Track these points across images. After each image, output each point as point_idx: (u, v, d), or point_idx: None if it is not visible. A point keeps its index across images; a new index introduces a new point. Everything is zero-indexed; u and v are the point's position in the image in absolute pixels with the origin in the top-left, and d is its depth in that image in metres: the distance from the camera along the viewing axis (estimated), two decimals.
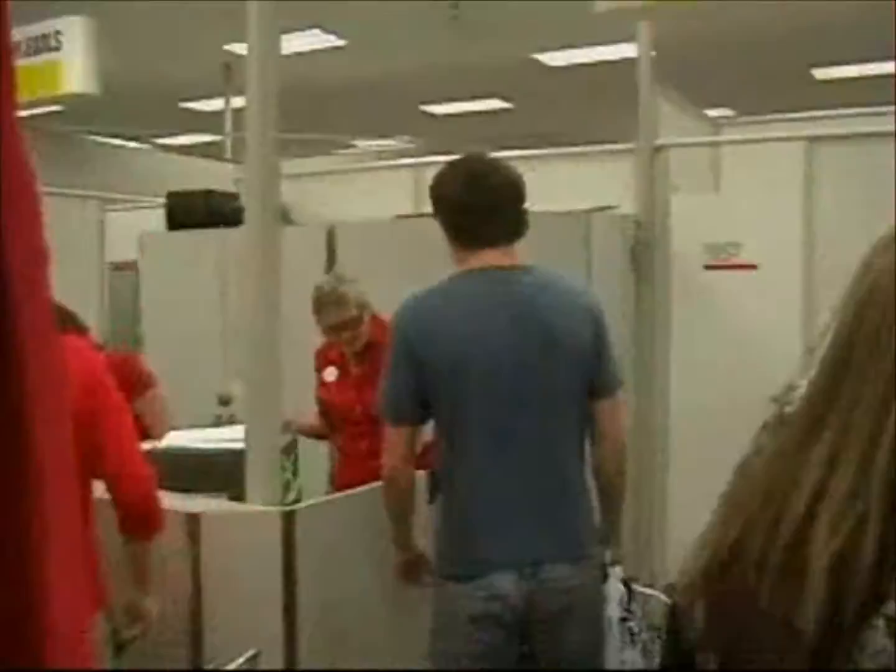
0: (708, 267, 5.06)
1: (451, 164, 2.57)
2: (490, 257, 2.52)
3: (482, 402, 2.47)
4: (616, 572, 2.65)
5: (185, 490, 2.88)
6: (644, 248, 5.11)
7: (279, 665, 2.56)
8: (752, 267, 4.95)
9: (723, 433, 4.71)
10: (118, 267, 7.21)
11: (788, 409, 0.87)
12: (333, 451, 4.10)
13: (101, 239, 7.38)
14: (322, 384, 3.93)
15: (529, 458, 2.50)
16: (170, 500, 2.65)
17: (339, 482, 3.78)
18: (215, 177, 7.15)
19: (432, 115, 12.88)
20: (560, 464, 2.54)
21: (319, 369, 3.97)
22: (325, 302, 3.69)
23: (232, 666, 2.13)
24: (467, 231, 2.52)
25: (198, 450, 3.04)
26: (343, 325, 3.67)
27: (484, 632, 2.43)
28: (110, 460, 2.34)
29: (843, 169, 4.86)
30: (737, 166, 5.39)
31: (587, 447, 2.64)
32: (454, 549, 2.54)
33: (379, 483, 2.88)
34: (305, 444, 4.11)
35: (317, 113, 11.29)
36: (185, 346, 5.61)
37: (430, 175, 5.81)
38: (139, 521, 2.40)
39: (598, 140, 5.83)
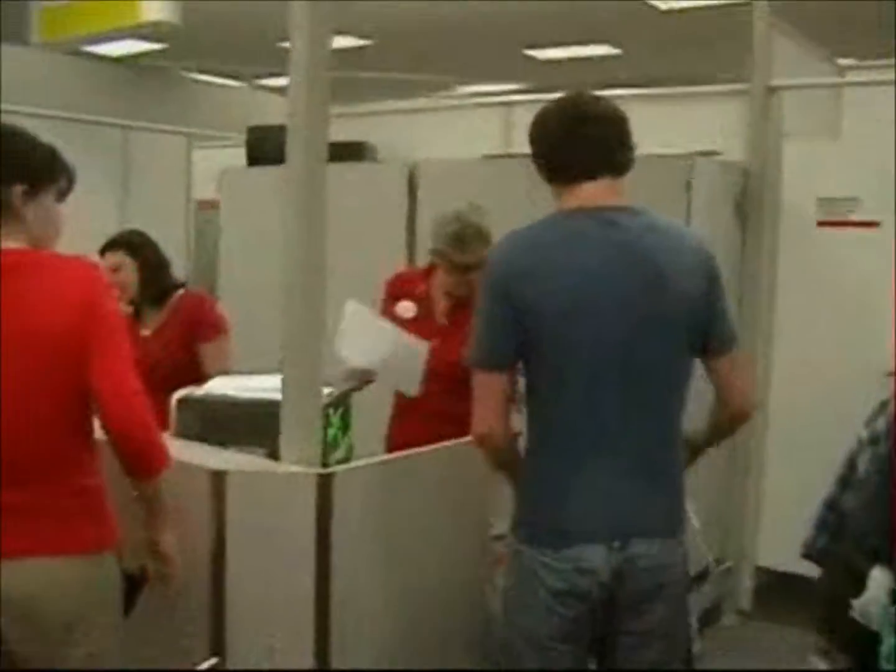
0: (822, 223, 4.65)
1: (554, 101, 2.41)
2: (593, 194, 2.33)
3: (581, 352, 2.26)
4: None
5: (221, 443, 2.62)
6: (751, 199, 4.70)
7: (309, 644, 2.29)
8: (873, 225, 4.52)
9: (827, 406, 4.48)
10: (204, 205, 7.08)
11: None
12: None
13: (188, 176, 7.24)
14: (392, 318, 3.51)
15: (631, 418, 2.29)
16: (195, 454, 2.41)
17: (393, 444, 3.46)
18: None
19: (536, 60, 12.42)
20: (664, 427, 2.35)
21: (392, 299, 3.60)
22: (468, 235, 3.29)
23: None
24: (570, 165, 2.34)
25: (237, 399, 2.74)
26: (476, 265, 3.16)
27: (566, 608, 2.27)
28: (99, 386, 2.15)
29: None
30: (860, 114, 4.90)
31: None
32: (539, 513, 2.33)
33: (436, 446, 2.72)
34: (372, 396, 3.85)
35: (419, 54, 10.96)
36: (262, 286, 5.38)
37: (520, 116, 5.71)
38: (134, 456, 2.18)
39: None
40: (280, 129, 6.08)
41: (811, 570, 4.34)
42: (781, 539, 4.71)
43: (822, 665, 2.54)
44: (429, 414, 3.28)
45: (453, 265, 3.35)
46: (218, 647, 2.33)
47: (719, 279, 2.37)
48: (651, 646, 2.31)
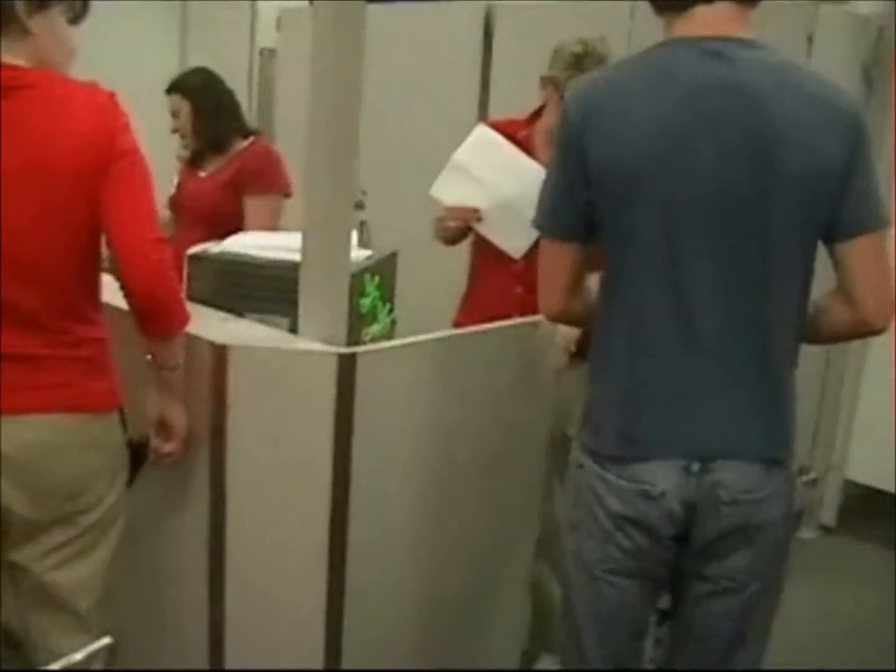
0: None
1: None
2: (705, 19, 1.79)
3: (665, 228, 1.77)
4: None
5: (238, 310, 2.24)
6: (881, 64, 4.01)
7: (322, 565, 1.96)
8: None
9: None
10: (268, 52, 6.67)
11: None
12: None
13: (252, 20, 6.81)
14: None
15: (727, 311, 1.79)
16: (201, 322, 2.04)
17: (462, 318, 3.02)
18: None
19: None
20: (771, 326, 1.82)
21: None
22: (588, 62, 2.80)
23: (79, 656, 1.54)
24: None
25: (258, 259, 2.30)
26: None
27: (625, 536, 1.84)
28: (117, 234, 1.92)
29: None
30: None
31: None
32: (605, 418, 1.87)
33: (505, 323, 2.38)
34: (435, 264, 3.43)
35: None
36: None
37: None
38: (152, 311, 1.94)
39: None
40: None
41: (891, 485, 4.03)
42: (874, 452, 4.39)
43: None
44: (510, 279, 2.84)
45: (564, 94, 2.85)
46: (217, 546, 2.01)
47: (866, 152, 1.80)
48: (726, 597, 1.88)
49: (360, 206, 4.95)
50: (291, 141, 4.95)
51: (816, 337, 1.93)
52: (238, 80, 6.23)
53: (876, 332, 1.86)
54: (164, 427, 2.07)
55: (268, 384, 1.97)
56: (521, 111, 3.08)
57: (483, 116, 4.46)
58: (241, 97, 6.14)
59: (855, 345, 4.14)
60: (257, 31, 6.73)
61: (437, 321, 2.77)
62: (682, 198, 1.75)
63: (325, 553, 2.00)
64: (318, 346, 1.97)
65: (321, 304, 2.00)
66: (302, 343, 1.99)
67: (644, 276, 1.81)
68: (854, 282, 1.82)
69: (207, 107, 3.48)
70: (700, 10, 1.78)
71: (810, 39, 3.64)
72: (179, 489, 2.13)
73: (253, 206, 3.36)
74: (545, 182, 1.90)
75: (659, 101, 1.76)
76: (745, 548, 1.84)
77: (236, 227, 2.98)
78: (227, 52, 6.22)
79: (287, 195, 3.42)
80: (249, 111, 6.39)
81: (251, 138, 3.53)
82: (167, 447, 2.08)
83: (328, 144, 1.99)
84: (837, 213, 1.79)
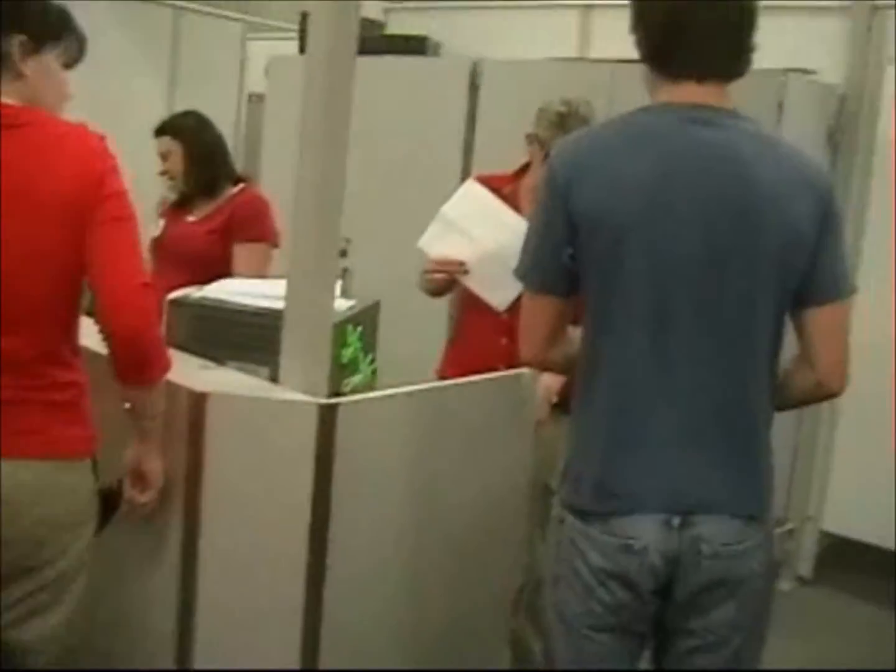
0: None
1: None
2: (695, 92, 1.86)
3: (650, 283, 1.82)
4: None
5: (218, 357, 2.27)
6: (846, 127, 4.22)
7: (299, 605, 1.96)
8: None
9: None
10: (256, 98, 6.73)
11: None
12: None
13: (241, 66, 6.88)
14: None
15: (705, 367, 1.84)
16: (180, 369, 2.05)
17: (447, 369, 3.08)
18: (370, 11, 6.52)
19: None
20: (747, 381, 1.88)
21: None
22: (572, 122, 2.89)
23: None
24: (675, 52, 1.87)
25: (240, 306, 2.34)
26: None
27: (607, 591, 1.86)
28: (98, 272, 1.91)
29: None
30: None
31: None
32: (586, 472, 1.90)
33: (490, 375, 2.41)
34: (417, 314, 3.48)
35: None
36: None
37: (598, 20, 5.26)
38: (133, 357, 1.92)
39: None
40: None
41: (881, 538, 4.06)
42: (850, 502, 4.44)
43: None
44: (492, 330, 2.90)
45: (549, 153, 2.92)
46: (187, 604, 2.00)
47: (837, 218, 1.89)
48: (712, 652, 1.89)
49: (343, 253, 4.99)
50: (278, 187, 5.05)
51: (781, 402, 1.98)
52: (224, 126, 6.33)
53: (833, 394, 1.94)
54: (140, 477, 2.04)
55: (247, 433, 1.99)
56: (505, 165, 3.16)
57: (467, 168, 4.55)
58: (229, 142, 6.23)
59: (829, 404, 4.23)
60: (246, 77, 6.84)
61: (419, 371, 2.82)
62: (668, 256, 1.81)
63: (300, 608, 2.00)
64: (298, 396, 2.00)
65: (303, 354, 2.04)
66: (282, 393, 2.03)
67: (627, 331, 1.85)
68: (816, 347, 1.89)
69: (201, 149, 3.47)
70: (692, 86, 1.85)
71: (780, 106, 3.76)
72: (151, 540, 2.11)
73: (242, 254, 3.35)
74: (528, 236, 1.94)
75: (646, 162, 1.82)
76: (727, 601, 1.86)
77: (221, 273, 2.98)
78: (215, 96, 6.29)
79: (276, 245, 3.42)
80: (236, 156, 6.46)
81: (241, 185, 3.53)
82: (142, 498, 2.05)
83: (315, 195, 2.04)
84: (806, 281, 1.86)
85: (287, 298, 2.05)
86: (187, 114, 3.60)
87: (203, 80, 6.42)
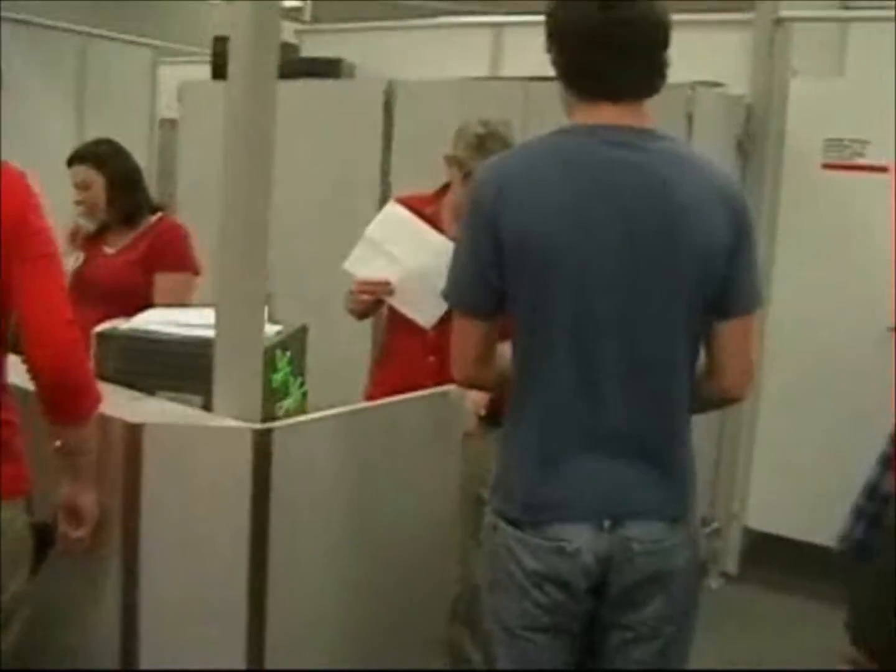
0: (827, 166, 4.31)
1: None
2: (612, 113, 1.92)
3: (576, 303, 1.88)
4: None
5: (150, 388, 2.26)
6: (754, 136, 4.37)
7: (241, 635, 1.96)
8: (882, 170, 4.18)
9: (827, 361, 4.17)
10: (168, 123, 6.67)
11: None
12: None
13: (153, 91, 6.83)
14: None
15: (629, 380, 1.91)
16: (112, 401, 2.05)
17: (375, 389, 3.09)
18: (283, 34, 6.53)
19: None
20: (669, 394, 1.95)
21: None
22: (491, 143, 2.90)
23: None
24: (590, 73, 1.92)
25: (169, 336, 2.34)
26: None
27: (542, 593, 1.92)
28: (28, 314, 1.90)
29: None
30: (869, 51, 4.57)
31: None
32: (518, 484, 1.96)
33: (419, 394, 2.45)
34: (340, 336, 3.49)
35: None
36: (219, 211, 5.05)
37: (509, 39, 5.34)
38: (62, 395, 1.91)
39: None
40: None
41: (803, 532, 4.17)
42: (772, 500, 4.56)
43: None
44: (421, 351, 2.93)
45: (469, 174, 2.96)
46: (129, 632, 1.99)
47: (751, 235, 1.96)
48: (646, 643, 1.96)
49: None
50: (195, 212, 5.03)
51: (710, 408, 2.09)
52: (137, 153, 6.27)
53: (737, 400, 2.04)
54: (73, 513, 2.02)
55: (183, 462, 1.99)
56: (423, 184, 3.19)
57: (385, 188, 4.59)
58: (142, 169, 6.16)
59: (749, 400, 4.34)
60: (157, 103, 6.78)
61: (346, 391, 2.83)
62: (592, 277, 1.86)
63: (244, 632, 2.01)
64: (233, 423, 2.01)
65: (235, 381, 2.05)
66: (217, 420, 2.04)
67: (555, 348, 1.90)
68: (725, 358, 1.97)
69: (122, 178, 3.40)
70: (609, 106, 1.90)
71: (690, 118, 3.85)
72: (90, 573, 2.10)
73: (164, 284, 3.30)
74: (455, 258, 1.97)
75: (570, 183, 1.87)
76: (658, 595, 1.93)
77: (141, 304, 2.92)
78: (125, 123, 6.23)
79: (197, 273, 3.39)
80: (150, 183, 6.40)
81: (159, 214, 3.47)
82: (77, 533, 2.03)
83: (242, 224, 2.05)
84: (720, 295, 1.93)
85: (217, 326, 2.05)
86: (102, 142, 3.51)
87: (112, 106, 6.36)
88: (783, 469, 4.32)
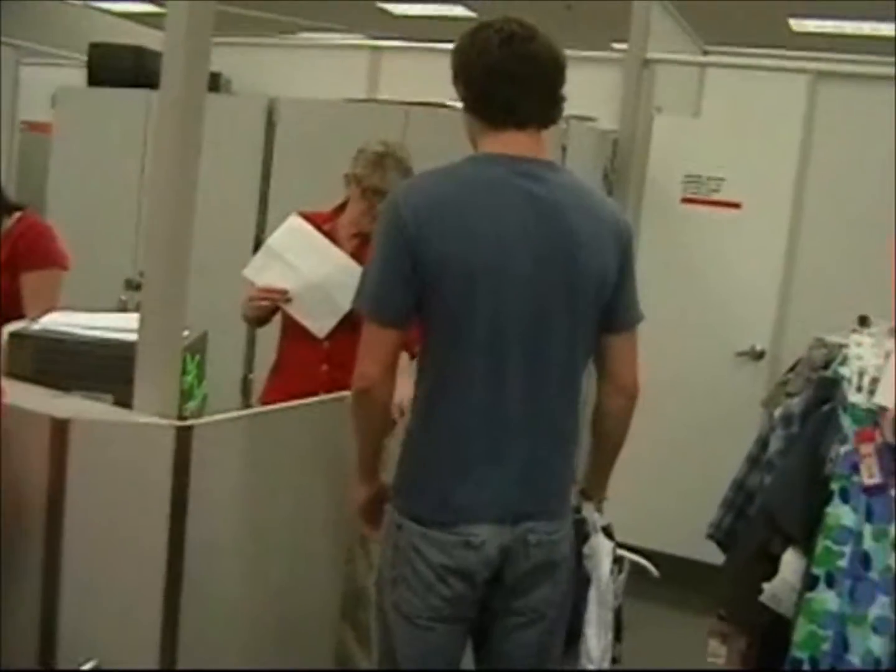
0: (686, 200, 4.64)
1: (484, 23, 2.14)
2: (516, 142, 2.12)
3: (483, 316, 2.06)
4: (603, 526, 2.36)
5: (60, 387, 2.31)
6: (619, 169, 4.66)
7: (156, 626, 2.04)
8: (735, 206, 4.55)
9: (681, 385, 4.46)
10: (31, 127, 6.55)
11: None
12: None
13: (14, 94, 6.67)
14: None
15: (532, 392, 2.11)
16: (32, 398, 2.10)
17: (270, 396, 3.18)
18: (145, 41, 6.48)
19: (391, 15, 12.13)
20: (564, 403, 2.17)
21: None
22: (389, 161, 3.07)
23: None
24: (496, 104, 2.11)
25: (80, 337, 2.40)
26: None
27: (447, 586, 2.09)
28: None
29: (846, 110, 4.43)
30: (723, 94, 4.92)
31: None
32: (424, 489, 2.13)
33: (318, 399, 2.59)
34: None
35: None
36: (94, 218, 5.03)
37: (387, 63, 5.50)
38: None
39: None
40: (126, 50, 5.71)
41: (671, 547, 4.38)
42: (630, 512, 4.75)
43: (721, 649, 2.47)
44: (314, 361, 3.06)
45: (366, 190, 3.10)
46: (49, 624, 2.04)
47: (632, 253, 2.21)
48: (533, 626, 2.17)
49: (138, 287, 5.01)
50: (67, 214, 4.98)
51: (603, 435, 2.31)
52: None
53: (634, 398, 2.25)
54: None
55: (108, 456, 2.06)
56: (304, 200, 3.34)
57: (264, 204, 4.65)
58: (1, 171, 6.02)
59: None
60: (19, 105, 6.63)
61: (227, 397, 2.92)
62: (506, 298, 2.05)
63: (160, 612, 2.08)
64: (155, 420, 2.09)
65: (157, 380, 2.12)
66: (141, 417, 2.10)
67: (469, 365, 2.08)
68: (617, 363, 2.21)
69: None
70: (513, 134, 2.10)
71: (564, 150, 4.07)
72: (12, 567, 2.11)
73: (32, 282, 3.27)
74: (372, 272, 2.10)
75: (486, 210, 2.06)
76: (545, 581, 2.15)
77: (9, 307, 2.91)
78: None
79: (65, 268, 3.37)
80: (9, 185, 6.25)
81: (17, 213, 3.39)
82: None
83: (168, 231, 2.14)
84: (612, 311, 2.17)
85: (140, 328, 2.13)
86: None
87: None
88: (647, 487, 4.52)
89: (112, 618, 2.05)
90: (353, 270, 3.00)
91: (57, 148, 5.34)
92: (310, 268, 3.06)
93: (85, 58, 5.59)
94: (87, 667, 1.61)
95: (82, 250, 4.81)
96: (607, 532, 2.37)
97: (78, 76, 5.63)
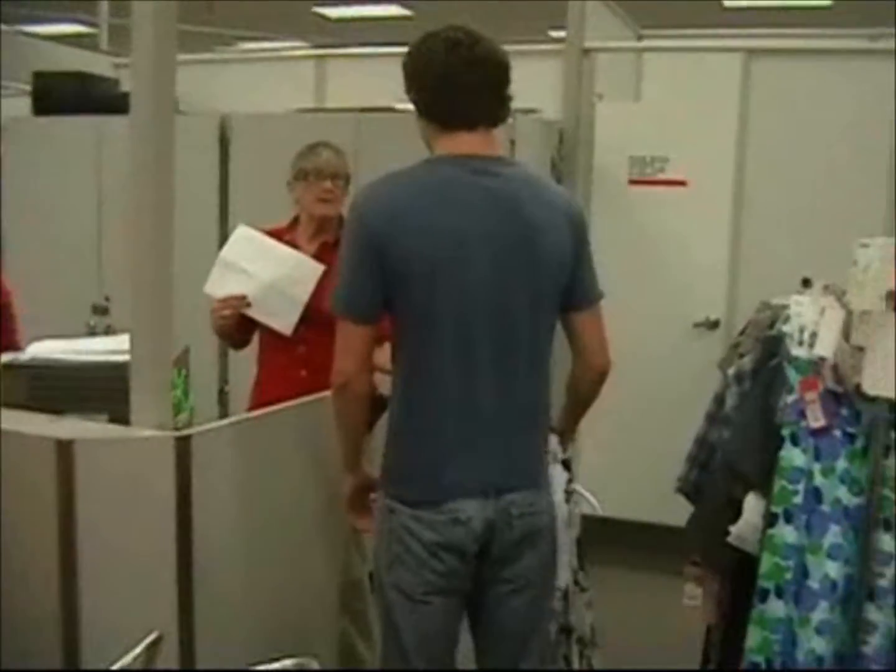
0: (632, 182, 4.80)
1: (431, 33, 2.28)
2: (469, 142, 2.26)
3: (451, 307, 2.20)
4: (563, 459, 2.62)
5: (54, 411, 2.40)
6: (566, 158, 4.81)
7: (174, 626, 2.15)
8: (681, 183, 4.72)
9: (639, 356, 4.60)
10: None
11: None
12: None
13: None
14: None
15: (501, 375, 2.25)
16: (32, 423, 2.19)
17: (256, 400, 3.25)
18: (88, 66, 6.50)
19: (327, 18, 12.18)
20: (533, 381, 2.32)
21: None
22: (322, 148, 3.23)
23: (128, 658, 1.69)
24: (447, 107, 2.25)
25: (70, 363, 2.52)
26: (335, 175, 3.20)
27: (440, 561, 2.24)
28: None
29: (779, 85, 4.60)
30: (662, 78, 5.08)
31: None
32: (414, 471, 2.28)
33: (301, 401, 2.67)
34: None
35: (197, 7, 10.48)
36: (53, 247, 5.08)
37: (333, 70, 5.59)
38: None
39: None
40: (70, 77, 5.72)
41: (638, 514, 4.51)
42: (600, 483, 4.86)
43: (697, 591, 2.73)
44: (289, 364, 3.15)
45: (308, 174, 3.23)
46: (71, 638, 2.14)
47: (587, 236, 2.35)
48: (522, 593, 2.32)
49: (104, 311, 5.06)
50: (24, 245, 5.00)
51: (574, 407, 2.50)
52: None
53: (606, 372, 2.40)
54: None
55: (113, 472, 2.15)
56: (262, 214, 3.39)
57: (223, 220, 4.71)
58: None
59: None
60: None
61: (205, 410, 2.99)
62: (469, 289, 2.19)
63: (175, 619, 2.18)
64: (155, 433, 2.19)
65: (152, 395, 2.21)
66: (140, 431, 2.20)
67: (441, 355, 2.21)
68: (584, 339, 2.37)
69: None
70: (465, 135, 2.24)
71: (512, 143, 4.17)
72: (30, 586, 2.21)
73: None
74: (343, 275, 2.24)
75: (448, 208, 2.19)
76: (530, 551, 2.31)
77: None
78: None
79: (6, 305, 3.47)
80: None
81: None
82: None
83: (151, 252, 2.23)
84: (573, 291, 2.32)
85: (131, 346, 2.22)
86: None
87: None
88: (605, 456, 4.64)
89: (132, 621, 2.12)
90: (302, 263, 3.17)
91: (8, 180, 5.35)
92: (262, 269, 3.16)
93: (27, 86, 5.61)
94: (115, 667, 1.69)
95: (45, 279, 4.90)
96: (566, 464, 2.61)
97: (22, 105, 5.63)
